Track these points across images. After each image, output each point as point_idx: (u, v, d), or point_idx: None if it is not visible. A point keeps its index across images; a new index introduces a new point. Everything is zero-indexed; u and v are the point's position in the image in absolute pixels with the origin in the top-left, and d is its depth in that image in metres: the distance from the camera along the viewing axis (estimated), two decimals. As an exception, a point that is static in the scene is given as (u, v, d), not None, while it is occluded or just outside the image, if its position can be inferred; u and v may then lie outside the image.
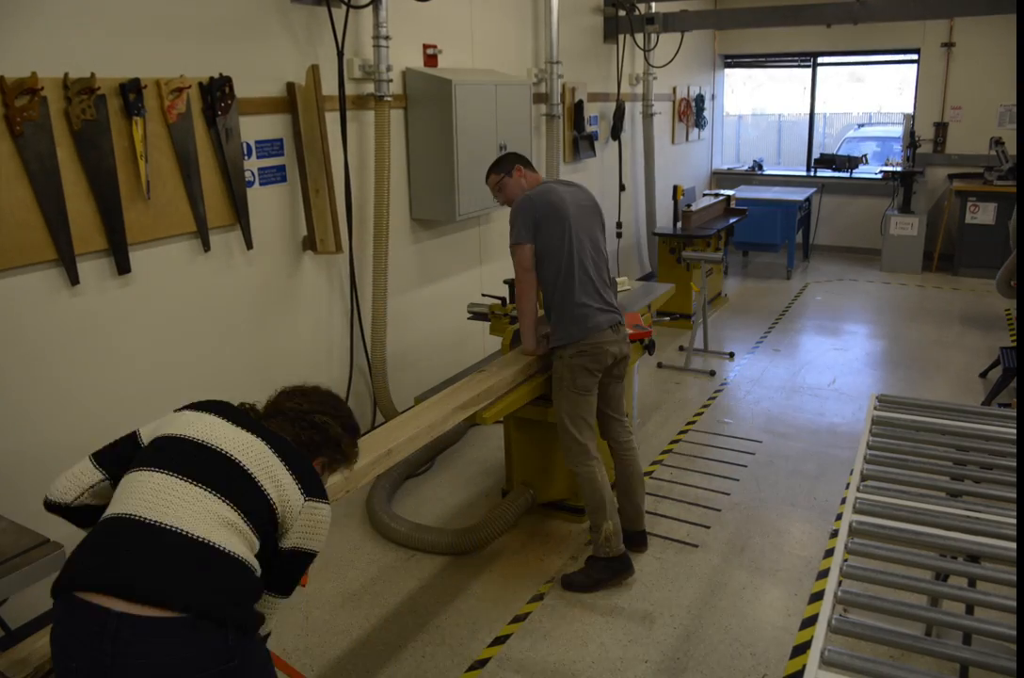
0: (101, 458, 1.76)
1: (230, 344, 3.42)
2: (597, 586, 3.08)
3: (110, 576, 1.46)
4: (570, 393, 3.02)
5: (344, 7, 3.61)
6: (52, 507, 1.74)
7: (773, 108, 10.77)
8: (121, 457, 1.72)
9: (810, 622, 2.83)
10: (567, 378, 3.01)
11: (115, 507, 1.57)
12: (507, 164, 3.15)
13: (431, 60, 4.35)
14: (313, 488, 1.70)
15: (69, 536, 2.27)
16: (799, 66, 9.22)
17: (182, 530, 1.50)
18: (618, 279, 4.28)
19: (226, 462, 1.62)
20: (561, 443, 3.10)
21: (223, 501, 1.57)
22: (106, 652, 1.40)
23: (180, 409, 1.78)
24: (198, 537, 1.51)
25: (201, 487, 1.57)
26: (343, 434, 1.85)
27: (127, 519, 1.52)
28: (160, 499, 1.54)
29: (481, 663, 2.71)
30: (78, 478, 1.73)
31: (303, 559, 1.72)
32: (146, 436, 1.74)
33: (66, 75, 2.61)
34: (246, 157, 3.34)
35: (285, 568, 1.70)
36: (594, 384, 3.06)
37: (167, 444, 1.67)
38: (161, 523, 1.51)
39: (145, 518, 1.51)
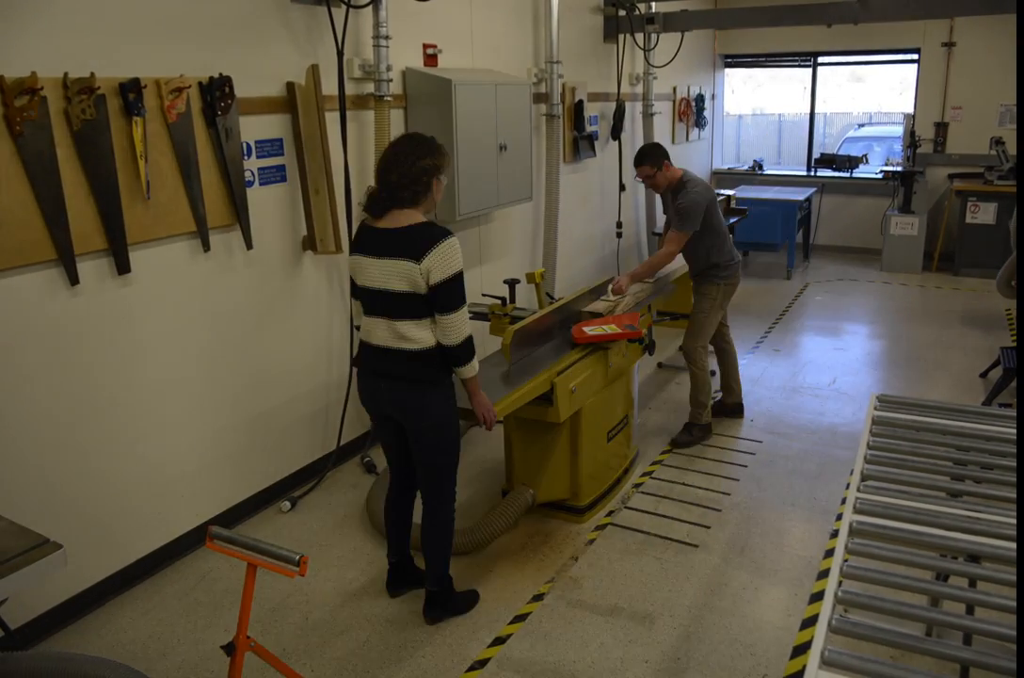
0: (355, 293, 2.71)
1: (229, 344, 3.41)
2: (695, 442, 4.26)
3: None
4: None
5: (344, 7, 3.61)
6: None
7: (773, 108, 10.76)
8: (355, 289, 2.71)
9: (810, 622, 2.83)
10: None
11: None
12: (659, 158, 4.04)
13: (431, 60, 4.35)
14: (430, 244, 2.45)
15: (69, 536, 2.27)
16: (799, 66, 9.21)
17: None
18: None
19: (393, 296, 2.53)
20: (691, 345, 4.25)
21: (398, 319, 2.56)
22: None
23: (353, 253, 2.64)
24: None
25: (386, 313, 2.59)
26: (430, 162, 2.52)
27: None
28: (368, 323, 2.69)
29: (481, 663, 2.70)
30: (358, 307, 2.75)
31: (451, 284, 2.48)
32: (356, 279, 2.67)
33: (66, 75, 2.61)
34: (246, 157, 3.34)
35: (442, 295, 2.50)
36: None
37: (362, 293, 2.65)
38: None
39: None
